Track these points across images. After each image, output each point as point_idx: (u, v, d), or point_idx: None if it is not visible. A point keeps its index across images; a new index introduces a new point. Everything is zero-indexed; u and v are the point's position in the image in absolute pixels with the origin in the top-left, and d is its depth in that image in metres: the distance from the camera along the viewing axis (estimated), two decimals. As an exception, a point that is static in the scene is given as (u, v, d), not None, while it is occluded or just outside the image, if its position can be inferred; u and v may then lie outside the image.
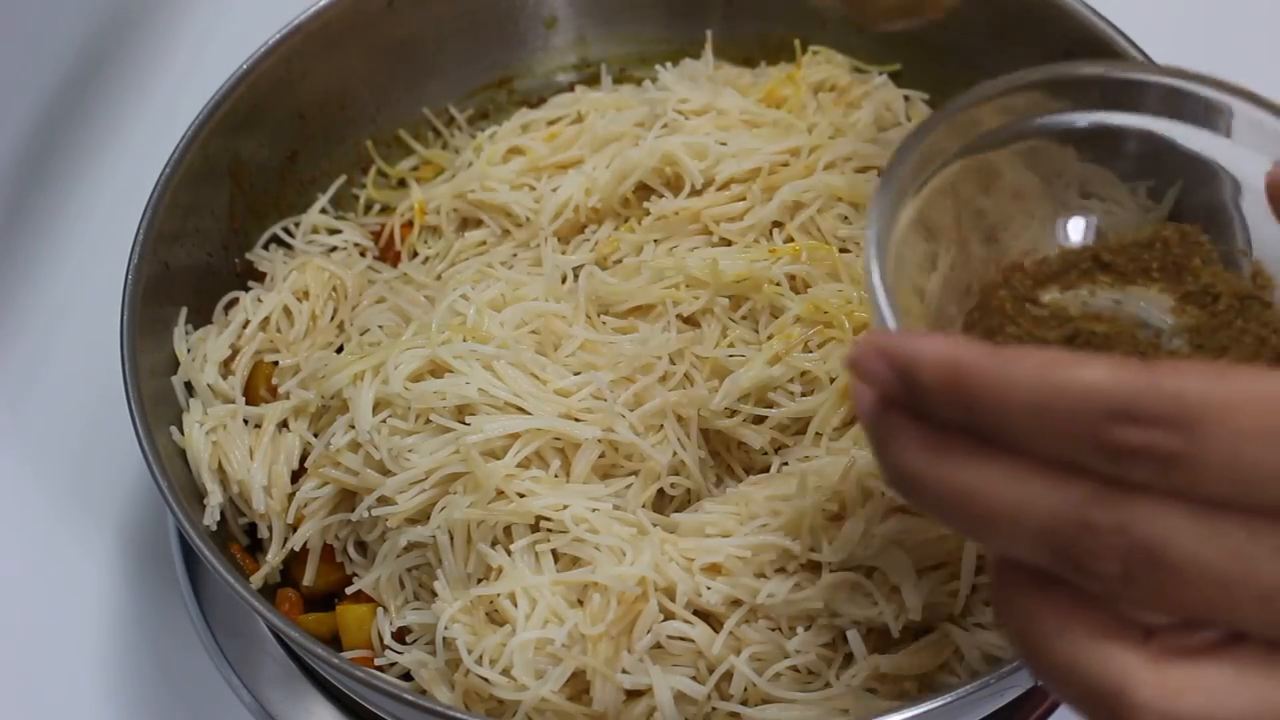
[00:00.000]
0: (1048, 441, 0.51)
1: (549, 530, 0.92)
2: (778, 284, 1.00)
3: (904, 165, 0.64)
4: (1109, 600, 0.52)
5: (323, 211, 1.18)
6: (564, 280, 1.05)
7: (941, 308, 0.67)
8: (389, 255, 1.16)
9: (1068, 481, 0.51)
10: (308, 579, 1.01)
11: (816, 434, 0.97)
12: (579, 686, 0.89)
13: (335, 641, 0.99)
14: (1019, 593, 0.54)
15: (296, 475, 1.02)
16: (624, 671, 0.88)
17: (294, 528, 1.00)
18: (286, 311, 1.09)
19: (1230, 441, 0.48)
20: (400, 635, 0.97)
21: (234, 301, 1.10)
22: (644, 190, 1.09)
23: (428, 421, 0.96)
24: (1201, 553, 0.50)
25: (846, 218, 1.05)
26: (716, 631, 0.90)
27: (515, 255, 1.11)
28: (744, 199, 1.06)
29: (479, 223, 1.14)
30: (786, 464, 0.97)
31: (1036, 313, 0.66)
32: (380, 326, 1.05)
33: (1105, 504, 0.50)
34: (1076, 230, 0.72)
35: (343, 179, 1.21)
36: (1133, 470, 0.50)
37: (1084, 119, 0.69)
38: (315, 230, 1.17)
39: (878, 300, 0.60)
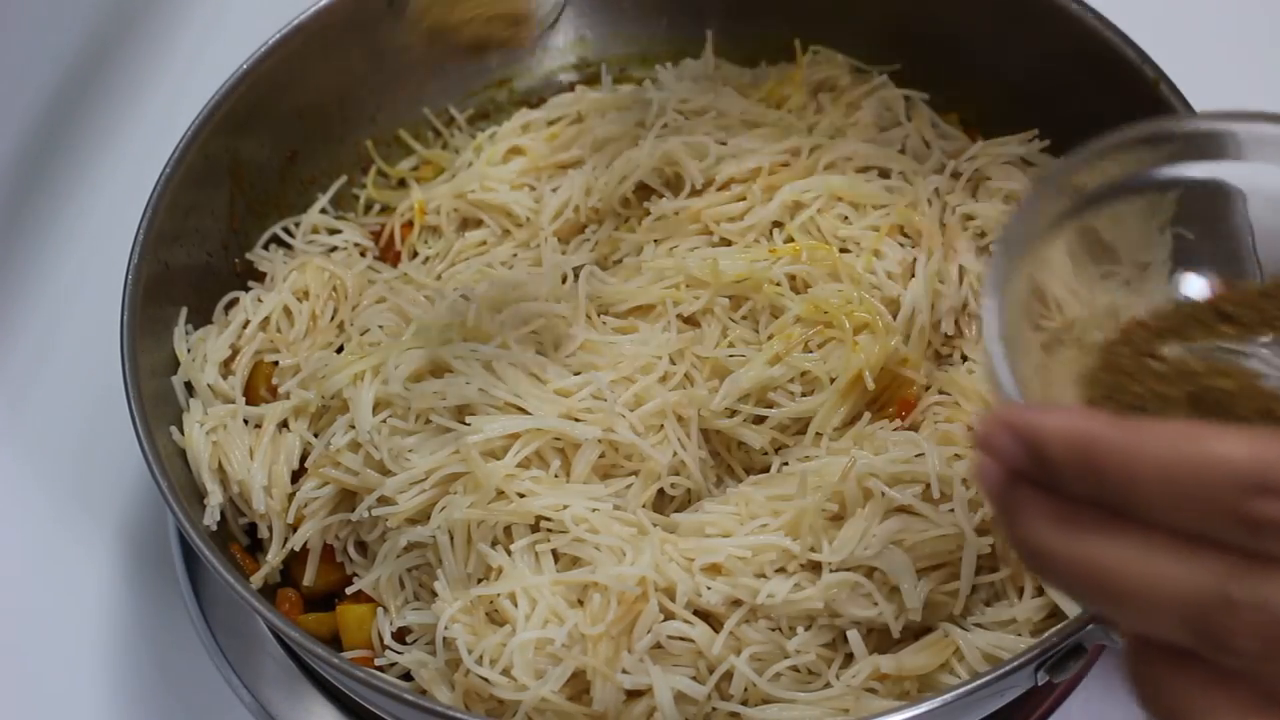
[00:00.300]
0: (1183, 515, 0.50)
1: (549, 530, 0.92)
2: (778, 284, 1.00)
3: (1019, 233, 0.64)
4: (1252, 677, 0.51)
5: (323, 211, 1.18)
6: (564, 280, 1.05)
7: (1059, 370, 0.67)
8: (389, 255, 1.16)
9: (1205, 556, 0.50)
10: (308, 579, 1.01)
11: (816, 434, 0.97)
12: (579, 686, 0.89)
13: (335, 641, 0.99)
14: (1160, 670, 0.53)
15: (296, 475, 1.02)
16: (624, 671, 0.88)
17: (294, 528, 1.00)
18: (286, 311, 1.09)
19: None
20: (400, 635, 0.97)
21: (234, 301, 1.10)
22: (644, 190, 1.09)
23: (428, 422, 0.96)
24: None
25: (846, 218, 1.05)
26: (716, 631, 0.90)
27: (515, 255, 1.11)
28: (744, 199, 1.06)
29: (479, 223, 1.14)
30: (786, 464, 0.97)
31: (1159, 369, 0.65)
32: (380, 326, 1.05)
33: (1244, 579, 0.49)
34: (1195, 283, 0.71)
35: (343, 179, 1.21)
36: (1272, 544, 0.49)
37: (1185, 170, 0.69)
38: (315, 230, 1.17)
39: (999, 373, 0.59)
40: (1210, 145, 0.69)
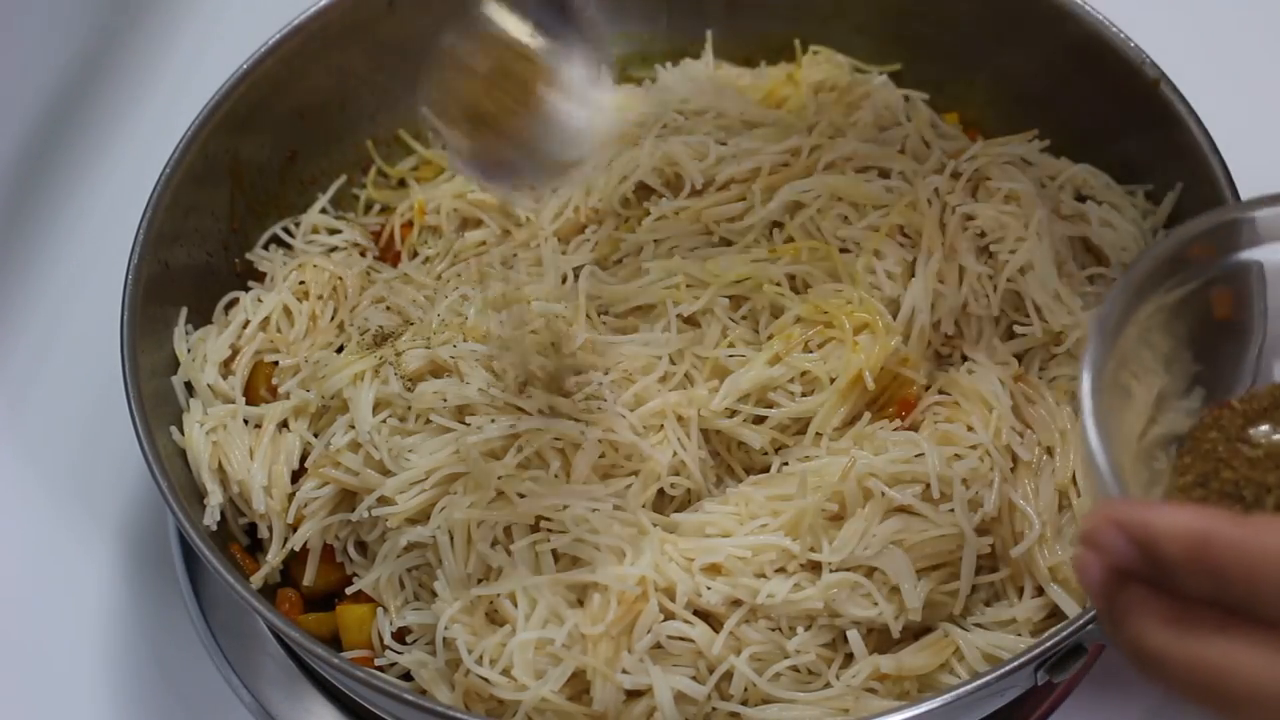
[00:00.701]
0: None
1: (549, 530, 0.92)
2: (778, 284, 1.00)
3: (1111, 318, 0.63)
4: None
5: (323, 211, 1.18)
6: (564, 280, 1.05)
7: (1150, 457, 0.66)
8: (389, 255, 1.16)
9: None
10: (308, 579, 1.01)
11: (816, 434, 0.97)
12: (579, 686, 0.89)
13: (335, 641, 0.99)
14: None
15: (296, 475, 1.02)
16: (624, 672, 0.88)
17: (294, 528, 1.00)
18: (286, 311, 1.09)
19: None
20: (400, 635, 0.97)
21: (234, 301, 1.10)
22: (644, 190, 1.09)
23: (428, 422, 0.96)
24: None
25: (846, 218, 1.05)
26: (716, 631, 0.90)
27: (515, 255, 1.10)
28: (744, 199, 1.06)
29: (479, 223, 1.14)
30: (786, 464, 0.97)
31: (1251, 454, 0.64)
32: (380, 326, 1.05)
33: None
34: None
35: (343, 179, 1.20)
36: None
37: (1251, 256, 0.68)
38: (315, 230, 1.17)
39: (1099, 465, 0.59)
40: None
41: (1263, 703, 0.50)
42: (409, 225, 1.16)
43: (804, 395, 0.97)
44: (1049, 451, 0.96)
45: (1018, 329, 1.01)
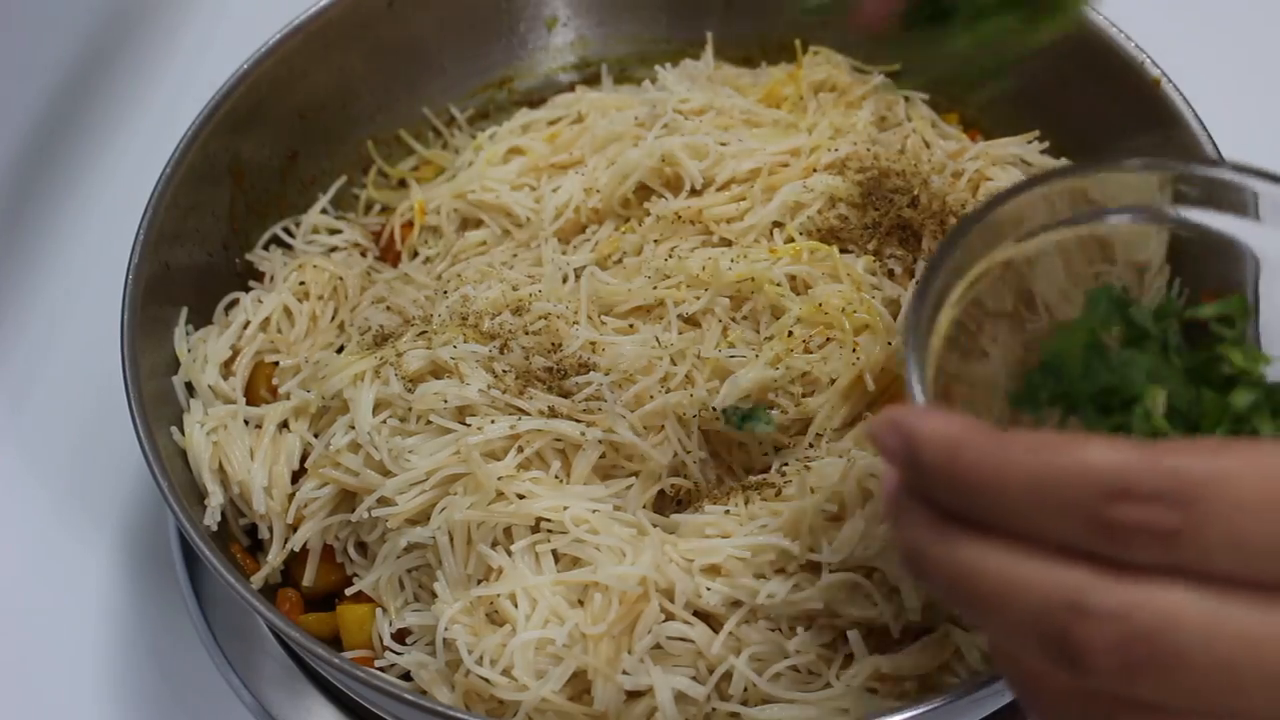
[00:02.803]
0: (1045, 523, 0.49)
1: (549, 531, 0.92)
2: (778, 284, 1.00)
3: (951, 251, 0.64)
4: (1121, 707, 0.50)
5: (323, 212, 1.18)
6: (565, 281, 1.05)
7: (991, 385, 0.67)
8: (389, 255, 1.16)
9: (1065, 564, 0.49)
10: (308, 579, 1.01)
11: (816, 434, 0.97)
12: (580, 687, 0.89)
13: (336, 642, 0.99)
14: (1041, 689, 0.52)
15: (297, 476, 1.02)
16: (624, 672, 0.88)
17: (294, 528, 1.00)
18: (287, 312, 1.09)
19: (1230, 514, 0.47)
20: (400, 636, 0.97)
21: (234, 302, 1.10)
22: (644, 190, 1.09)
23: (428, 422, 0.96)
24: (1208, 634, 0.47)
25: (846, 218, 1.05)
26: (716, 632, 0.90)
27: (516, 255, 1.11)
28: (744, 199, 1.06)
29: (479, 223, 1.14)
30: (786, 464, 0.97)
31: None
32: (381, 326, 1.05)
33: (1104, 588, 0.48)
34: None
35: (343, 179, 1.21)
36: (1133, 550, 0.48)
37: (1123, 217, 0.69)
38: (315, 230, 1.17)
39: (909, 371, 0.60)
40: (1229, 198, 0.68)
41: (997, 607, 0.51)
42: (409, 225, 1.16)
43: (804, 396, 0.97)
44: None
45: (1018, 329, 1.01)
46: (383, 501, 0.96)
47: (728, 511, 0.93)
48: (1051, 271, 0.68)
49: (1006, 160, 1.08)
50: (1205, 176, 0.68)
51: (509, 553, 0.92)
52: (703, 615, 0.90)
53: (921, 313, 0.62)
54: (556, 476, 0.94)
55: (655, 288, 1.01)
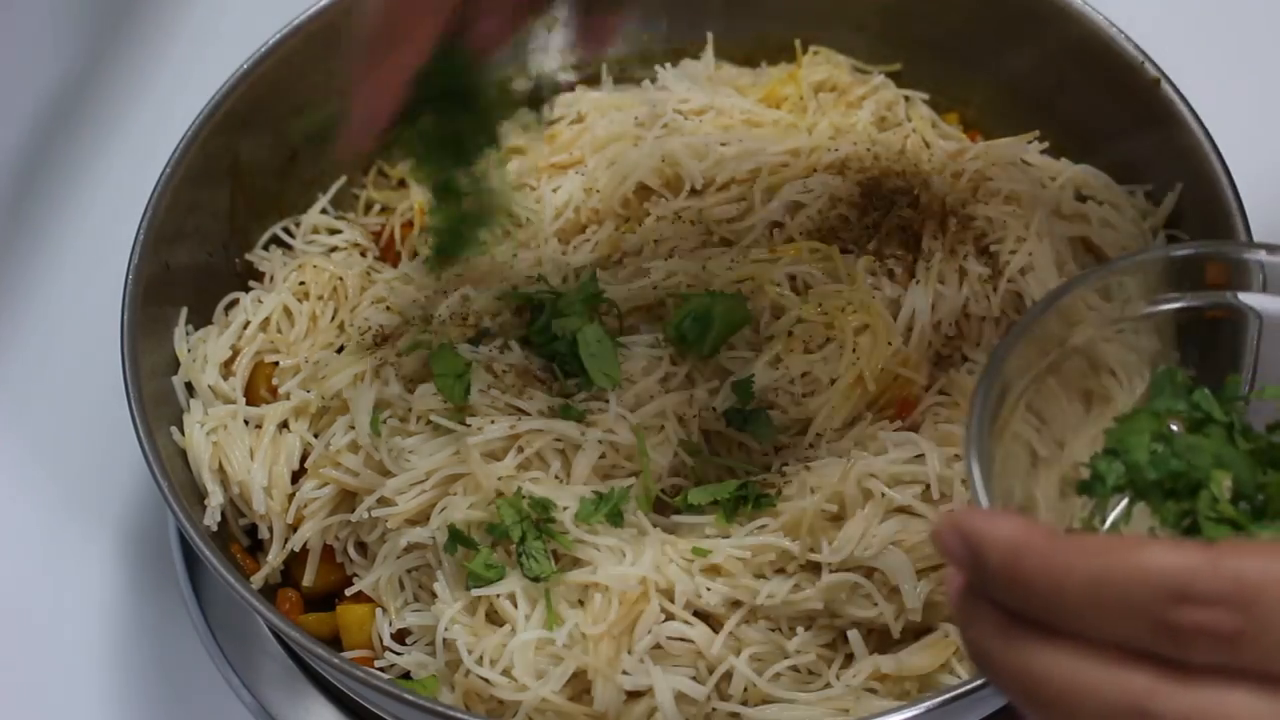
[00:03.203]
0: (1109, 625, 0.50)
1: (549, 531, 0.92)
2: (778, 284, 1.00)
3: (1014, 345, 0.65)
4: None
5: (323, 212, 1.18)
6: (565, 281, 1.05)
7: (1048, 486, 0.68)
8: (389, 255, 1.16)
9: (1130, 668, 0.50)
10: (308, 579, 1.01)
11: (817, 434, 0.97)
12: (580, 687, 0.89)
13: (336, 642, 0.99)
14: None
15: (297, 476, 1.02)
16: (624, 672, 0.88)
17: (294, 528, 1.00)
18: (286, 312, 1.08)
19: None
20: (400, 637, 0.97)
21: (234, 302, 1.10)
22: (644, 190, 1.09)
23: (428, 423, 0.96)
24: None
25: (846, 218, 1.05)
26: (716, 632, 0.90)
27: (515, 255, 1.10)
28: (744, 199, 1.06)
29: (479, 223, 1.14)
30: (787, 464, 0.97)
31: None
32: (381, 326, 1.05)
33: (1167, 692, 0.49)
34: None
35: (343, 179, 1.20)
36: (1196, 652, 0.49)
37: (1182, 301, 0.70)
38: (315, 230, 1.17)
39: (973, 474, 0.60)
40: (1196, 275, 0.69)
41: (1074, 710, 0.51)
42: (409, 225, 1.16)
43: (805, 396, 0.97)
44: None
45: (1018, 329, 1.01)
46: (383, 501, 0.96)
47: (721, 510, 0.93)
48: (1109, 358, 0.69)
49: (1006, 160, 1.08)
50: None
51: (508, 553, 0.92)
52: (703, 615, 0.90)
53: (984, 411, 0.63)
54: (556, 476, 0.94)
55: (655, 288, 1.01)
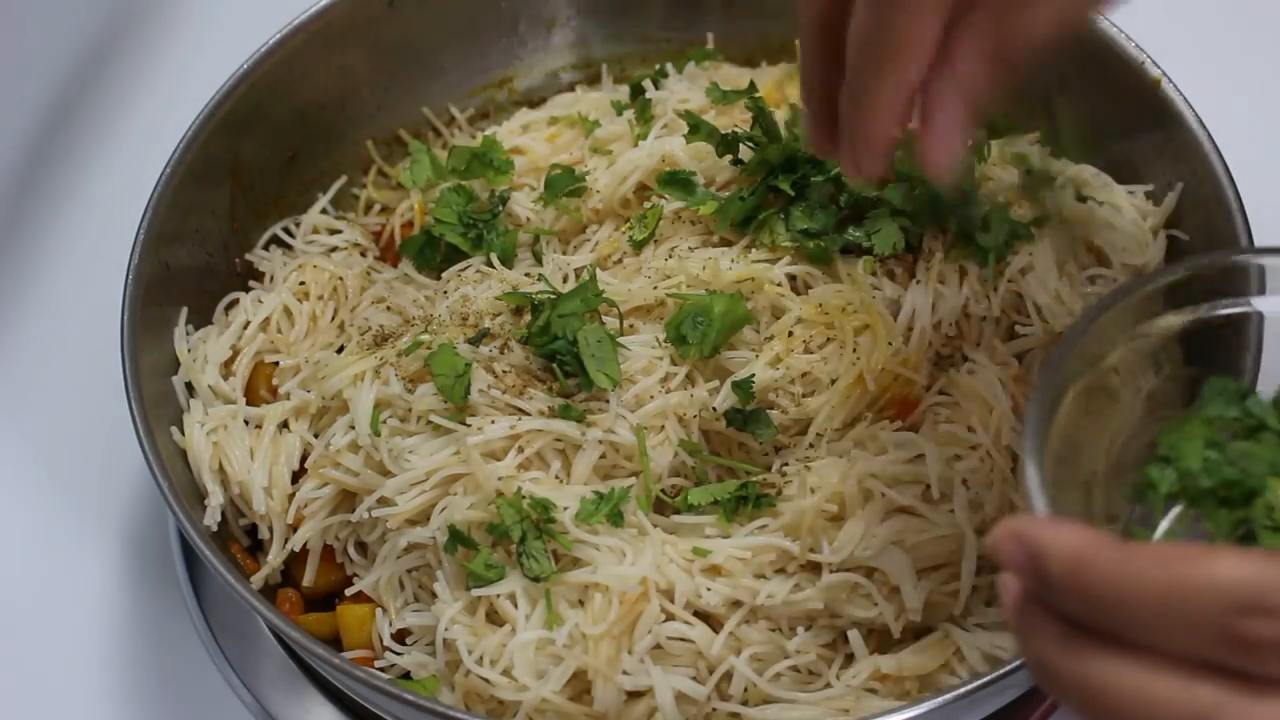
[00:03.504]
0: (1176, 637, 0.50)
1: (550, 531, 0.92)
2: (778, 284, 1.00)
3: (1068, 353, 0.65)
4: None
5: (323, 212, 1.18)
6: (565, 280, 1.05)
7: (1110, 501, 0.67)
8: (389, 255, 1.16)
9: (1200, 680, 0.50)
10: (308, 579, 1.01)
11: (817, 434, 0.97)
12: (580, 687, 0.89)
13: (336, 642, 0.99)
14: None
15: (297, 476, 1.02)
16: (624, 672, 0.88)
17: (294, 528, 1.00)
18: (287, 312, 1.09)
19: None
20: (400, 637, 0.97)
21: (234, 302, 1.10)
22: (644, 190, 1.09)
23: (428, 423, 0.96)
24: None
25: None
26: (716, 632, 0.90)
27: (515, 256, 1.10)
28: (744, 199, 1.06)
29: (479, 223, 1.14)
30: (787, 464, 0.97)
31: None
32: (380, 326, 1.05)
33: (1237, 705, 0.49)
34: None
35: (343, 179, 1.20)
36: (1265, 664, 0.49)
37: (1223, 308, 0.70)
38: (315, 230, 1.17)
39: (1030, 480, 0.60)
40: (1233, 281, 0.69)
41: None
42: (409, 225, 1.16)
43: (805, 396, 0.97)
44: (1049, 452, 0.96)
45: (1018, 329, 1.01)
46: (383, 502, 0.96)
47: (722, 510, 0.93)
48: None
49: (1006, 160, 1.08)
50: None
51: (508, 553, 0.92)
52: (703, 615, 0.90)
53: (1041, 421, 0.63)
54: (557, 476, 0.94)
55: (655, 288, 1.01)
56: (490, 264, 1.08)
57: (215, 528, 1.00)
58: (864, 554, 0.90)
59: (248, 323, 1.08)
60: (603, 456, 0.95)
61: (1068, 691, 0.53)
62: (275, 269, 1.13)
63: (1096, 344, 0.68)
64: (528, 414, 0.95)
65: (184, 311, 1.08)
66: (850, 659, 0.91)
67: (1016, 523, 0.54)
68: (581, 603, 0.90)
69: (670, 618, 0.89)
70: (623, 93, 1.19)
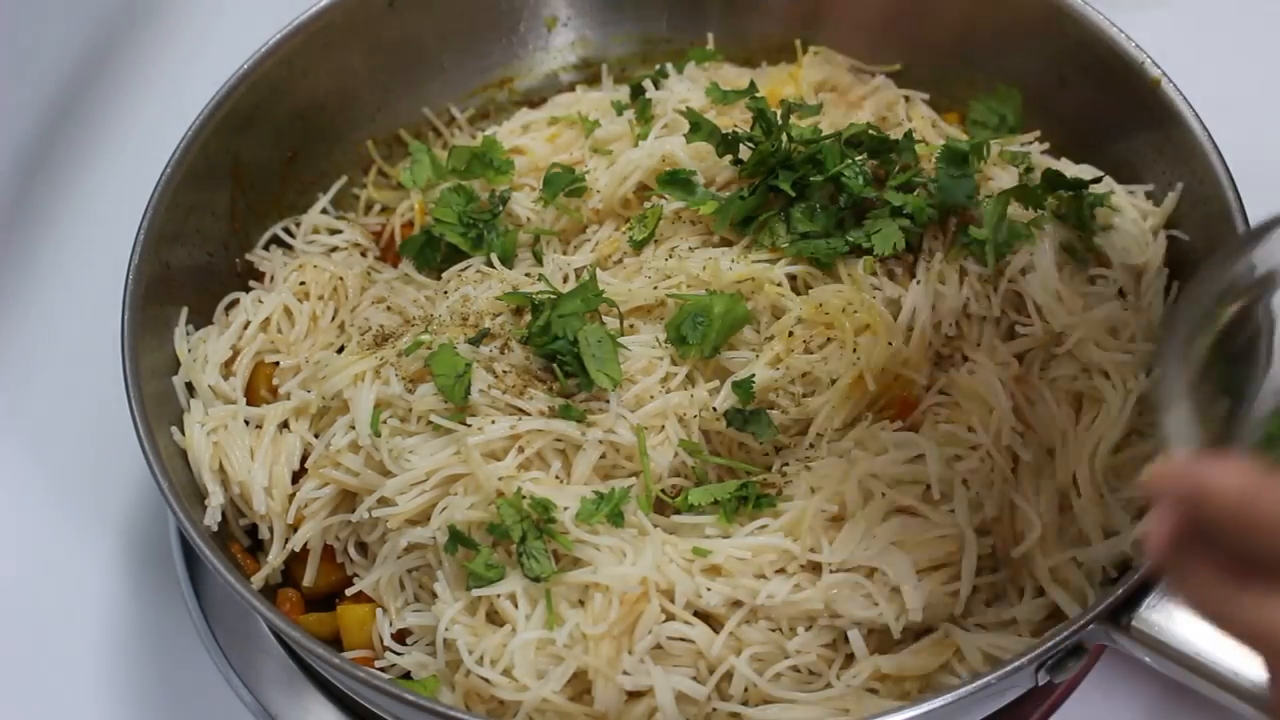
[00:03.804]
0: None
1: (550, 531, 0.92)
2: (779, 284, 1.00)
3: (1210, 284, 0.64)
4: None
5: (323, 212, 1.18)
6: (565, 280, 1.05)
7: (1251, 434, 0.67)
8: (389, 255, 1.16)
9: None
10: (308, 579, 1.01)
11: (817, 434, 0.97)
12: (580, 687, 0.89)
13: (336, 642, 0.99)
14: None
15: (297, 476, 1.02)
16: (625, 673, 0.88)
17: (295, 528, 1.00)
18: (287, 312, 1.09)
19: None
20: (400, 637, 0.97)
21: (235, 302, 1.10)
22: (644, 190, 1.09)
23: (428, 423, 0.96)
24: None
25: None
26: (717, 632, 0.90)
27: (515, 256, 1.11)
28: (744, 199, 1.06)
29: (479, 223, 1.14)
30: (787, 464, 0.97)
31: None
32: (381, 326, 1.05)
33: None
34: None
35: (343, 179, 1.20)
36: None
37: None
38: (316, 230, 1.17)
39: (1179, 417, 0.59)
40: None
41: None
42: (409, 225, 1.16)
43: (805, 396, 0.97)
44: (1049, 452, 0.96)
45: (1019, 329, 1.01)
46: (383, 502, 0.96)
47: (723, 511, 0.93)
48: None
49: (1006, 160, 1.08)
50: None
51: (509, 553, 0.92)
52: (703, 615, 0.90)
53: (1186, 358, 0.62)
54: (557, 476, 0.94)
55: (655, 288, 1.01)
56: (490, 264, 1.09)
57: (215, 528, 1.00)
58: (864, 554, 0.90)
59: (248, 323, 1.08)
60: (603, 456, 0.95)
61: (1237, 626, 0.53)
62: (275, 269, 1.13)
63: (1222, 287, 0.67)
64: (528, 414, 0.95)
65: (184, 311, 1.08)
66: (850, 659, 0.91)
67: (1176, 461, 0.54)
68: (582, 603, 0.90)
69: (670, 618, 0.89)
70: (623, 93, 1.19)
